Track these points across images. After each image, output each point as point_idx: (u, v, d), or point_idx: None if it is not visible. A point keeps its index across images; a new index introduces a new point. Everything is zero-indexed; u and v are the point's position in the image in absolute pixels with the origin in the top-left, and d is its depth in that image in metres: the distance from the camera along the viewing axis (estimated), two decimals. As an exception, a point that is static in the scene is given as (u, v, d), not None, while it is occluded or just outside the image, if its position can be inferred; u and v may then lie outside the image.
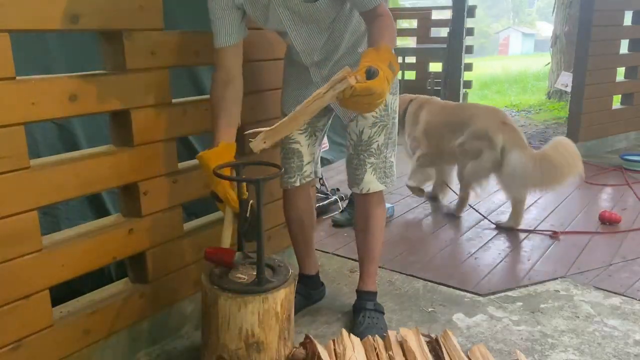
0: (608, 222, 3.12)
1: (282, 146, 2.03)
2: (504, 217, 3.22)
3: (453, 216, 3.28)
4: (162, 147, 1.81)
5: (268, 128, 1.44)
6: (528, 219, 3.21)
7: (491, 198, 3.62)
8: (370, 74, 1.40)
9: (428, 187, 3.59)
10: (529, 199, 3.53)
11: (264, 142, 1.44)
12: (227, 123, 1.76)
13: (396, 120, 1.97)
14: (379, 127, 1.90)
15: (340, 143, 4.39)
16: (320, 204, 3.24)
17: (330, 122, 2.07)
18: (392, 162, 1.98)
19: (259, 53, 2.12)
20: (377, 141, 1.91)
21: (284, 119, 1.45)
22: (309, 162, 2.04)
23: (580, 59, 4.53)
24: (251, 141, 1.45)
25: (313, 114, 1.45)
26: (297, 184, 2.04)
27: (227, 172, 1.69)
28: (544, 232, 3.00)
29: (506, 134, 2.95)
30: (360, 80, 1.37)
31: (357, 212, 2.06)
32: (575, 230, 3.03)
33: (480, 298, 2.29)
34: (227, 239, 1.68)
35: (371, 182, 1.94)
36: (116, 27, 1.61)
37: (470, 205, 3.30)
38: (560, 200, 3.55)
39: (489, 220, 3.17)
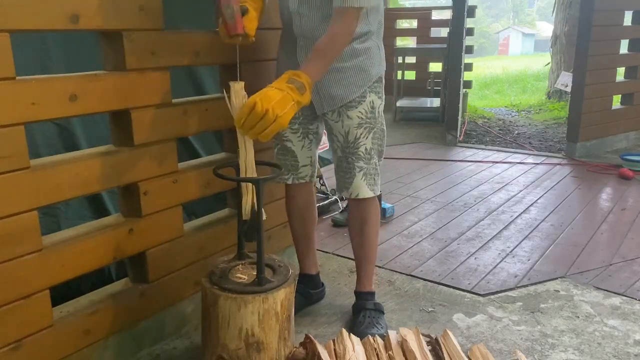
0: (625, 177, 3.95)
1: (277, 143, 2.02)
2: (504, 217, 3.23)
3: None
4: (162, 147, 1.81)
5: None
6: (528, 219, 3.21)
7: (490, 198, 3.63)
8: None
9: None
10: (530, 197, 3.58)
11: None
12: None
13: (384, 127, 1.94)
14: (365, 128, 1.87)
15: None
16: (320, 204, 3.24)
17: (324, 126, 2.05)
18: (378, 170, 1.96)
19: (259, 53, 2.12)
20: (364, 144, 1.88)
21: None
22: (305, 165, 2.03)
23: (580, 59, 4.53)
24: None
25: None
26: (290, 182, 2.05)
27: (227, 172, 1.69)
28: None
29: None
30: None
31: (351, 215, 2.05)
32: (576, 230, 3.03)
33: (480, 298, 2.29)
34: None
35: (360, 188, 1.92)
36: (116, 27, 1.61)
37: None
38: (561, 200, 3.55)
39: None
